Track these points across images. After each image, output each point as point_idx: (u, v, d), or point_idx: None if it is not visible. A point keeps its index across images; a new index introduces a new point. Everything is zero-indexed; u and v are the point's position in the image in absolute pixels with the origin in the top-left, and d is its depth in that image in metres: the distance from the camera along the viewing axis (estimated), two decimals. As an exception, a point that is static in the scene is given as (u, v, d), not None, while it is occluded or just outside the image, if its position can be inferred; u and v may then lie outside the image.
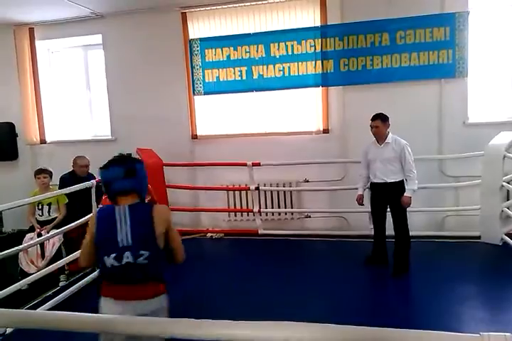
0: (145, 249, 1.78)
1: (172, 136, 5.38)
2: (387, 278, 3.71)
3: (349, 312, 3.02)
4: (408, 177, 3.69)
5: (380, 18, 4.67)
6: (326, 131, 5.06)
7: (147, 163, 4.79)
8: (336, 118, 5.04)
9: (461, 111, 4.72)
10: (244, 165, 4.95)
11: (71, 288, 3.54)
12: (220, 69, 5.20)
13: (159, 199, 4.08)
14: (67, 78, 6.00)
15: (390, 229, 3.87)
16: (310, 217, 5.11)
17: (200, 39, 5.21)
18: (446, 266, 3.85)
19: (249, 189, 5.05)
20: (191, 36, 5.26)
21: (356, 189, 4.07)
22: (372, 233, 4.07)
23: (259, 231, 5.06)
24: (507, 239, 4.04)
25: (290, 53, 4.98)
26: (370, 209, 4.03)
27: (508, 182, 4.05)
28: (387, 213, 3.86)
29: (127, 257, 1.76)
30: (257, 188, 5.02)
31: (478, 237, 4.34)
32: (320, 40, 4.88)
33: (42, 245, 3.89)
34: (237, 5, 5.05)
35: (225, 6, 5.08)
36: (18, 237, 4.21)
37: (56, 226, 4.06)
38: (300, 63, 4.97)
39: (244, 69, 5.13)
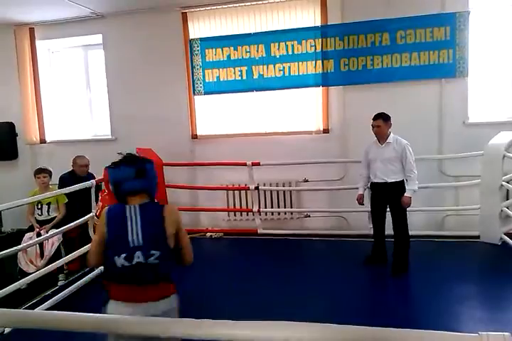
0: (156, 249, 1.76)
1: (172, 136, 5.38)
2: (387, 277, 3.72)
3: (348, 311, 3.03)
4: (409, 178, 3.69)
5: (380, 17, 4.67)
6: (326, 130, 5.05)
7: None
8: (336, 118, 5.04)
9: (461, 111, 4.72)
10: (244, 164, 4.95)
11: (70, 288, 3.54)
12: (221, 69, 5.20)
13: (159, 198, 4.07)
14: (67, 78, 6.00)
15: (389, 229, 3.87)
16: (309, 216, 5.11)
17: (201, 39, 5.20)
18: (446, 266, 3.85)
19: (248, 189, 5.04)
20: (191, 36, 5.25)
21: (356, 188, 4.07)
22: (372, 232, 4.07)
23: (259, 231, 5.06)
24: (506, 238, 4.04)
25: (290, 53, 4.98)
26: (369, 209, 4.04)
27: (508, 182, 4.05)
28: (387, 213, 3.86)
29: (138, 257, 1.74)
30: (257, 188, 5.02)
31: (478, 237, 4.34)
32: (320, 39, 4.88)
33: (41, 244, 3.89)
34: (237, 5, 5.04)
35: (226, 6, 5.08)
36: (17, 237, 4.21)
37: (55, 226, 4.06)
38: (300, 63, 4.97)
39: (244, 69, 5.13)
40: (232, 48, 5.12)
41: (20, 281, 3.12)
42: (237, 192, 5.27)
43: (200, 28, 5.25)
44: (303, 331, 1.09)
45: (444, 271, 3.74)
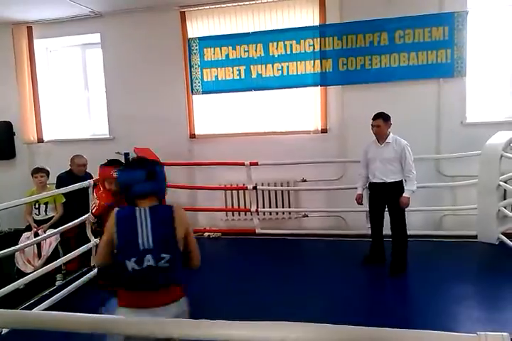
0: (166, 252, 1.74)
1: (170, 135, 5.37)
2: (385, 277, 3.72)
3: (346, 311, 3.03)
4: (407, 178, 3.69)
5: (378, 17, 4.67)
6: (324, 130, 5.05)
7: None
8: (334, 118, 5.04)
9: (459, 111, 4.73)
10: (242, 164, 4.95)
11: (68, 288, 3.53)
12: (219, 69, 5.19)
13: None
14: (65, 77, 5.98)
15: (386, 229, 3.87)
16: (307, 216, 5.10)
17: (199, 38, 5.20)
18: (444, 266, 3.85)
19: (246, 188, 5.04)
20: (190, 35, 5.25)
21: (355, 188, 4.07)
22: (370, 232, 4.07)
23: (257, 231, 5.06)
24: (504, 238, 4.05)
25: (289, 52, 4.98)
26: (367, 209, 4.04)
27: (505, 182, 4.06)
28: (385, 213, 3.86)
29: (148, 260, 1.72)
30: (255, 188, 5.01)
31: (476, 236, 4.34)
32: (319, 39, 4.87)
33: (38, 244, 3.88)
34: (235, 4, 5.04)
35: (224, 5, 5.07)
36: (14, 236, 4.19)
37: (53, 226, 4.05)
38: (299, 62, 4.97)
39: (242, 68, 5.12)
40: (230, 47, 5.11)
41: (18, 281, 3.11)
42: (235, 191, 5.27)
43: (198, 27, 5.25)
44: (299, 331, 1.09)
45: (441, 270, 3.75)
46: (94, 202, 2.87)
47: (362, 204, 4.02)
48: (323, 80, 4.94)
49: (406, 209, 3.74)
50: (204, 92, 5.28)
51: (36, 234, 3.96)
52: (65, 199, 4.27)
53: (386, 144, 3.75)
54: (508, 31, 4.71)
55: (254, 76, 5.10)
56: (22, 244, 3.47)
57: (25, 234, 4.03)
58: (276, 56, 5.01)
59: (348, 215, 4.98)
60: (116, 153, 4.97)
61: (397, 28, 4.68)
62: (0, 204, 2.96)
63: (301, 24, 4.96)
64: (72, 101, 5.97)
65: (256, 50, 5.06)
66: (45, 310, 3.09)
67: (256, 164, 4.92)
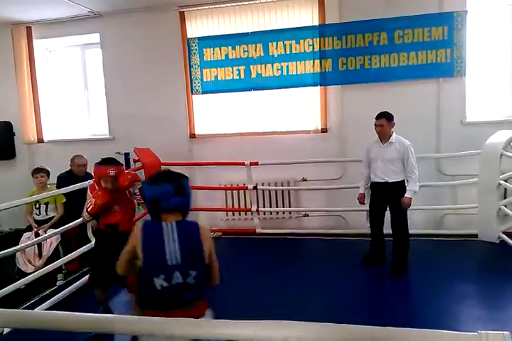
0: (193, 269, 1.72)
1: (170, 135, 5.37)
2: (385, 277, 3.72)
3: (347, 311, 3.03)
4: (409, 178, 3.67)
5: (378, 17, 4.67)
6: (324, 130, 5.05)
7: (145, 163, 4.79)
8: (334, 118, 5.04)
9: (459, 110, 4.73)
10: (242, 164, 4.95)
11: (69, 288, 3.54)
12: (219, 69, 5.19)
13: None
14: (64, 77, 5.97)
15: (387, 228, 3.87)
16: (308, 215, 5.10)
17: (199, 38, 5.20)
18: (445, 265, 3.86)
19: (247, 188, 5.04)
20: (189, 35, 5.24)
21: (355, 188, 4.07)
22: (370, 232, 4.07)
23: (257, 231, 5.06)
24: (504, 237, 4.05)
25: (288, 52, 4.98)
26: (368, 208, 4.03)
27: (506, 181, 4.06)
28: (386, 212, 3.85)
29: (177, 277, 1.69)
30: (255, 187, 5.01)
31: (476, 235, 4.34)
32: (318, 39, 4.87)
33: (39, 244, 3.89)
34: (235, 4, 5.03)
35: (223, 5, 5.07)
36: (15, 236, 4.20)
37: (53, 226, 4.05)
38: (298, 62, 4.97)
39: (242, 68, 5.12)
40: (230, 47, 5.11)
41: (19, 281, 3.12)
42: (235, 191, 5.27)
43: (198, 27, 5.24)
44: (302, 330, 1.09)
45: (442, 269, 3.75)
46: (90, 200, 2.83)
47: (364, 203, 4.01)
48: (323, 80, 4.94)
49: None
50: (204, 92, 5.28)
51: (37, 234, 3.96)
52: (65, 200, 4.27)
53: (389, 144, 3.73)
54: (507, 31, 4.71)
55: (253, 76, 5.10)
56: (23, 244, 3.46)
57: (25, 234, 4.04)
58: (275, 56, 5.01)
59: (349, 215, 4.98)
60: (116, 153, 4.98)
61: (397, 28, 4.68)
62: (0, 205, 2.97)
63: (301, 24, 4.96)
64: (72, 102, 5.97)
65: (255, 50, 5.06)
66: (46, 310, 3.09)
67: (256, 164, 4.93)
